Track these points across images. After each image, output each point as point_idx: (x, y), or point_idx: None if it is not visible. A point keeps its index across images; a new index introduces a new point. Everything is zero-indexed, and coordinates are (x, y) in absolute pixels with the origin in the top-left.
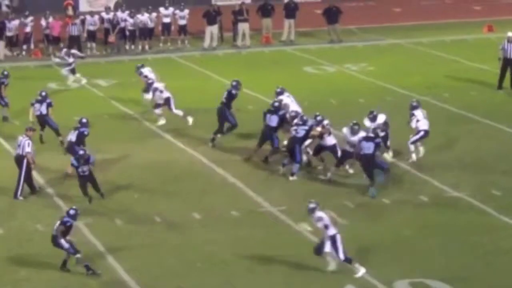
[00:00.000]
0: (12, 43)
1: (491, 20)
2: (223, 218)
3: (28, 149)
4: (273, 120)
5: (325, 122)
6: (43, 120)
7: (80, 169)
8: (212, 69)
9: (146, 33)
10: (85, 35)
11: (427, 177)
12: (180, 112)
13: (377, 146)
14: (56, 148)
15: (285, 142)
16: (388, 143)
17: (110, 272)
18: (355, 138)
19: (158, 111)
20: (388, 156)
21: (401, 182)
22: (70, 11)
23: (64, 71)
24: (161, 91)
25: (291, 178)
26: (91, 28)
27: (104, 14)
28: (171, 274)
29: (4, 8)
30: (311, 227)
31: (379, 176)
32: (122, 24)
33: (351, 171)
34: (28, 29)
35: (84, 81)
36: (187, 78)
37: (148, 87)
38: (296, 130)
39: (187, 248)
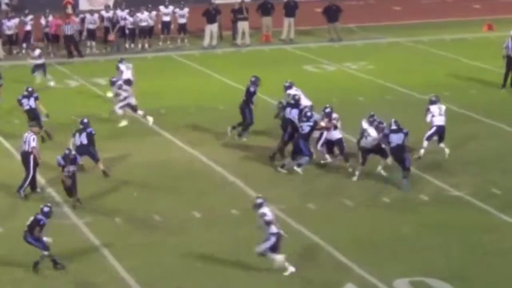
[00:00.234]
0: (11, 41)
1: (490, 19)
2: (222, 217)
3: (33, 143)
4: (294, 114)
5: (334, 115)
6: (33, 114)
7: (66, 169)
8: (211, 67)
9: (146, 31)
10: (85, 33)
11: (427, 176)
12: (140, 112)
13: (406, 136)
14: (56, 147)
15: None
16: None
17: (109, 271)
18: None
19: (120, 111)
20: (389, 160)
21: (401, 181)
22: (69, 10)
23: (36, 71)
24: (125, 90)
25: (296, 168)
26: (91, 26)
27: (104, 13)
28: (171, 273)
29: (3, 7)
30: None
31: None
32: (122, 23)
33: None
34: (28, 28)
35: (52, 83)
36: (187, 76)
37: (113, 83)
38: (301, 126)
39: (186, 247)
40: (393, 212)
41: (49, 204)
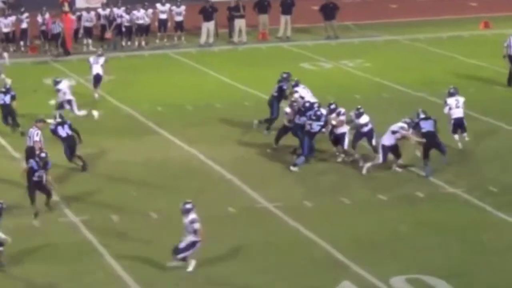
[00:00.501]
0: (8, 39)
1: (487, 17)
2: (220, 214)
3: (36, 138)
4: (302, 120)
5: (341, 111)
6: (6, 111)
7: (37, 174)
8: (208, 65)
9: (142, 29)
10: (81, 31)
11: (423, 174)
12: (83, 112)
13: (435, 123)
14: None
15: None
16: (373, 142)
17: (107, 269)
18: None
19: (82, 112)
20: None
21: (397, 178)
22: (66, 7)
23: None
24: (64, 93)
25: (292, 168)
26: (88, 24)
27: (100, 11)
28: (169, 271)
29: (0, 4)
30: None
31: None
32: (119, 21)
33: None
34: (24, 26)
35: (9, 82)
36: (184, 74)
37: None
38: (310, 125)
39: None
40: (390, 210)
41: (1, 201)
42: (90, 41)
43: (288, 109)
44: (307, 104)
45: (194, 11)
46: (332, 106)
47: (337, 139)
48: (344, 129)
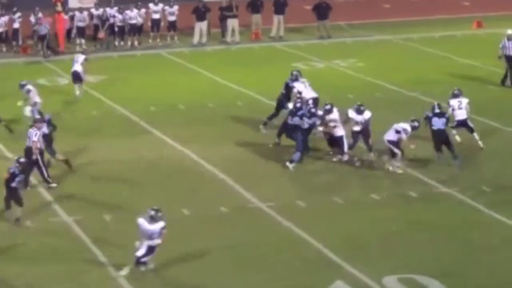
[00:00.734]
0: (1, 39)
1: (480, 16)
2: (212, 214)
3: (34, 138)
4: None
5: (332, 116)
6: None
7: (17, 179)
8: (201, 65)
9: (135, 29)
10: (74, 31)
11: (416, 173)
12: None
13: (447, 121)
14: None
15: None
16: (370, 141)
17: (99, 269)
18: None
19: (28, 113)
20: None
21: (390, 178)
22: (59, 7)
23: None
24: (34, 93)
25: (288, 164)
26: (80, 24)
27: (93, 10)
28: (161, 271)
29: None
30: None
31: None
32: (111, 20)
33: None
34: (16, 26)
35: None
36: (176, 74)
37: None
38: (302, 121)
39: (176, 244)
40: (383, 209)
41: None
42: (83, 41)
43: (290, 106)
44: (298, 104)
45: (187, 11)
46: (327, 107)
47: (334, 141)
48: (341, 132)
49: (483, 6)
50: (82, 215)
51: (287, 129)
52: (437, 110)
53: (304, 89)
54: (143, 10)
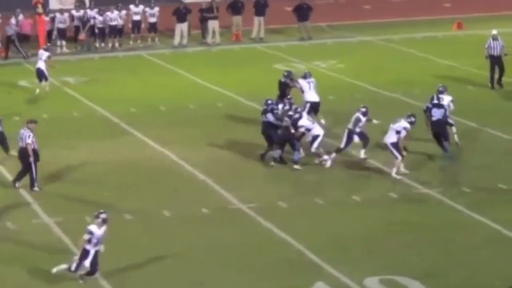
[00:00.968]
0: None
1: (460, 17)
2: (193, 215)
3: (28, 140)
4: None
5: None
6: None
7: None
8: (182, 66)
9: (116, 31)
10: (55, 32)
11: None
12: None
13: (445, 112)
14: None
15: None
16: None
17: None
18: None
19: None
20: (362, 152)
21: (371, 179)
22: (40, 9)
23: None
24: None
25: (295, 166)
26: (61, 26)
27: (74, 12)
28: (142, 272)
29: None
30: None
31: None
32: (92, 22)
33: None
34: None
35: None
36: (157, 75)
37: None
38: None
39: (157, 246)
40: (364, 210)
41: None
42: (63, 42)
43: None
44: (269, 101)
45: (168, 12)
46: (296, 116)
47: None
48: (319, 131)
49: (463, 7)
50: (63, 216)
51: (262, 127)
52: (436, 101)
53: (308, 90)
54: (123, 12)
